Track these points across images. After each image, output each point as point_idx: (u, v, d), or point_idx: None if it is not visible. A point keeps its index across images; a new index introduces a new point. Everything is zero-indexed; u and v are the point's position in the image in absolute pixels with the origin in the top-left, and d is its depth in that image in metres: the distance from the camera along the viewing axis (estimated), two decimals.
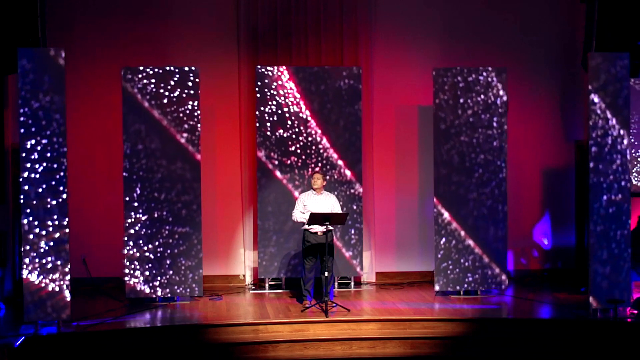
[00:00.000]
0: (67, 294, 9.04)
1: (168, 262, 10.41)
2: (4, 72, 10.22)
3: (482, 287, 10.66)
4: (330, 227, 9.93)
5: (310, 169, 11.03)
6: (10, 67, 9.66)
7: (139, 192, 10.34)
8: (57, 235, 9.01)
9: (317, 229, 10.01)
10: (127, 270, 10.33)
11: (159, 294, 10.41)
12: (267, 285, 11.27)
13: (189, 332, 9.18)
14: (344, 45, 11.61)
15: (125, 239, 10.33)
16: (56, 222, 9.00)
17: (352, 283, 11.42)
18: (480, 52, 11.78)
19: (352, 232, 11.11)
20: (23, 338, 8.61)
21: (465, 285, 10.66)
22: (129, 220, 10.32)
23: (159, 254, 10.39)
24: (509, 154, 10.93)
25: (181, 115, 10.42)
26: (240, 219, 11.67)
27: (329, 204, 10.16)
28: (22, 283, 9.04)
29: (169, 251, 10.42)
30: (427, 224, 11.64)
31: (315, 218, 9.78)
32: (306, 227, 10.10)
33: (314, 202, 10.13)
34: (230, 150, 11.64)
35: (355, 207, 11.11)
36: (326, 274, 9.85)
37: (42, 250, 8.98)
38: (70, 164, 9.73)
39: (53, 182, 9.01)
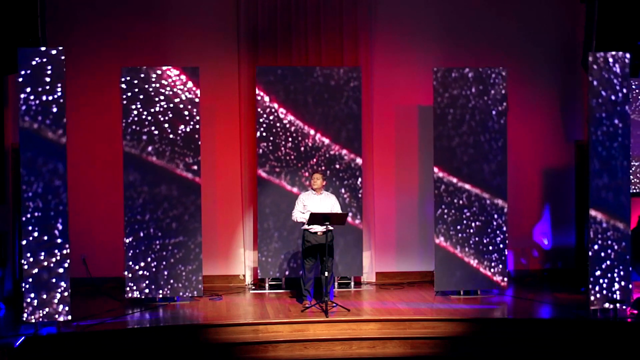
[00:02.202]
0: (67, 294, 9.04)
1: (166, 272, 10.44)
2: (4, 72, 10.21)
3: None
4: (330, 227, 9.93)
5: (310, 169, 11.03)
6: (10, 67, 9.66)
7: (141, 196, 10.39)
8: (57, 234, 9.00)
9: (317, 229, 10.01)
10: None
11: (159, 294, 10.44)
12: (267, 285, 11.27)
13: (189, 332, 9.18)
14: (344, 45, 11.61)
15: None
16: (56, 222, 9.00)
17: (352, 283, 11.42)
18: (480, 52, 11.78)
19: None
20: (23, 338, 8.61)
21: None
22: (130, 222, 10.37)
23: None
24: (509, 154, 10.93)
25: (181, 115, 10.41)
26: (240, 219, 11.67)
27: (329, 203, 10.16)
28: (22, 283, 9.04)
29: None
30: (427, 224, 11.64)
31: (315, 218, 9.78)
32: (306, 227, 10.10)
33: (314, 202, 10.13)
34: (230, 150, 11.64)
35: (354, 202, 11.13)
36: (326, 274, 9.85)
37: (42, 250, 8.98)
38: (70, 164, 9.72)
39: (53, 182, 9.01)
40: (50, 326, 9.05)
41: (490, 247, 10.65)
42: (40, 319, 8.98)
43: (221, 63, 11.59)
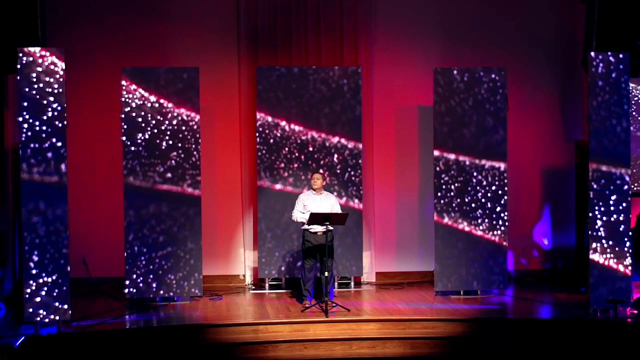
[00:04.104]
0: (67, 294, 9.03)
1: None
2: (4, 72, 10.21)
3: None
4: (330, 227, 9.93)
5: (310, 169, 11.03)
6: (10, 67, 9.66)
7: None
8: (57, 234, 9.00)
9: (317, 229, 10.01)
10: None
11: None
12: (267, 285, 11.27)
13: (189, 332, 9.18)
14: (344, 45, 11.61)
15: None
16: (56, 222, 9.00)
17: (352, 283, 11.42)
18: (480, 52, 11.78)
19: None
20: (23, 338, 8.61)
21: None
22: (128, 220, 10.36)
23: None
24: (509, 154, 10.93)
25: (180, 114, 10.41)
26: (240, 219, 11.67)
27: (329, 204, 10.16)
28: (22, 283, 9.04)
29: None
30: (427, 224, 11.64)
31: (315, 218, 9.78)
32: (306, 227, 10.10)
33: (314, 202, 10.13)
34: (230, 150, 11.64)
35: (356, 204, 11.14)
36: (326, 274, 9.85)
37: (42, 250, 8.98)
38: (70, 164, 9.72)
39: (53, 182, 9.00)
40: (50, 326, 9.04)
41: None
42: (40, 319, 8.99)
43: (221, 63, 11.60)
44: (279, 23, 11.52)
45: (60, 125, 9.04)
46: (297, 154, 11.08)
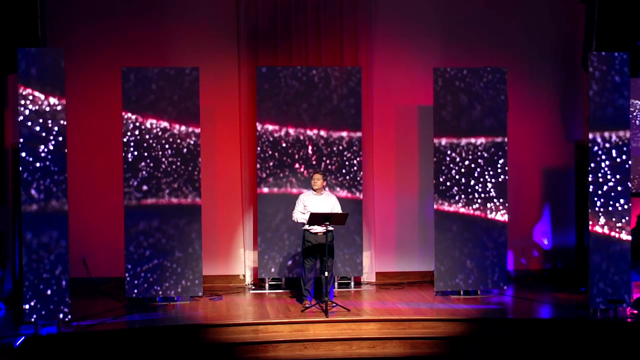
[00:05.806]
0: (67, 294, 9.03)
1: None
2: (4, 72, 10.22)
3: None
4: (331, 227, 9.93)
5: (310, 168, 11.03)
6: (10, 67, 9.66)
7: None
8: (57, 235, 9.01)
9: (317, 229, 10.01)
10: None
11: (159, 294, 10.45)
12: (267, 285, 11.28)
13: (189, 332, 9.18)
14: (344, 45, 11.61)
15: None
16: (56, 222, 9.00)
17: (352, 283, 11.42)
18: (480, 52, 11.78)
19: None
20: (23, 338, 8.61)
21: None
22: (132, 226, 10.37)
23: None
24: (509, 154, 10.93)
25: (181, 115, 10.41)
26: (240, 219, 11.67)
27: (329, 204, 10.16)
28: (22, 283, 9.04)
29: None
30: (427, 224, 11.64)
31: (315, 218, 9.78)
32: (306, 227, 10.10)
33: (314, 202, 10.13)
34: (230, 150, 11.64)
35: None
36: (326, 274, 9.85)
37: (42, 250, 8.98)
38: (70, 164, 9.72)
39: (53, 182, 9.01)
40: (50, 326, 9.05)
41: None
42: (40, 319, 8.99)
43: (221, 63, 11.60)
44: (279, 23, 11.52)
45: (60, 125, 9.02)
46: (303, 154, 11.11)
